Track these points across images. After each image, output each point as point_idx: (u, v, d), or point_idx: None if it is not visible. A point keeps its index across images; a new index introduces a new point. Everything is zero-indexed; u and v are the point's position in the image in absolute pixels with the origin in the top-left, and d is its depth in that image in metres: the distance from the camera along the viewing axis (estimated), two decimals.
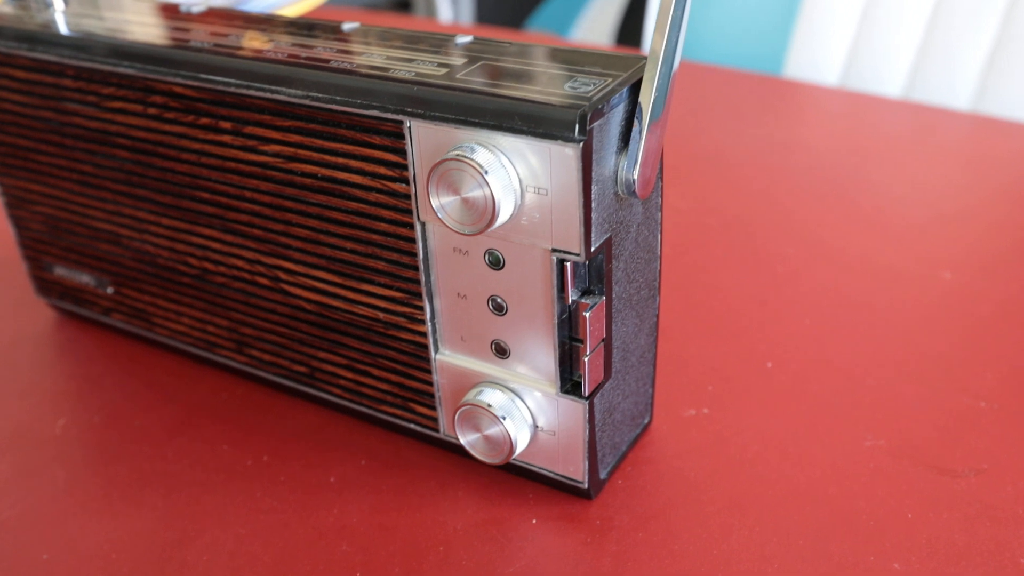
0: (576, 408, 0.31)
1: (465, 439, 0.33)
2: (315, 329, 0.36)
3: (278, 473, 0.36)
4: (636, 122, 0.28)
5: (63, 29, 0.37)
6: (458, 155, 0.27)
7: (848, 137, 0.64)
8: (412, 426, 0.36)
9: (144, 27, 0.37)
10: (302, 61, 0.32)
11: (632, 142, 0.28)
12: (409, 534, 0.33)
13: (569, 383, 0.31)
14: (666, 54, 0.27)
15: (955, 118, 0.66)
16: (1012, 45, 0.71)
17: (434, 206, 0.28)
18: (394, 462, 0.36)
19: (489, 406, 0.32)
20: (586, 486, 0.33)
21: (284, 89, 0.31)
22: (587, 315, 0.29)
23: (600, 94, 0.27)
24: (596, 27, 2.04)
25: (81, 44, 0.36)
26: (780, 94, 0.74)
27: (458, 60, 0.31)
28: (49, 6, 0.40)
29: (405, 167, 0.30)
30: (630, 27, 1.97)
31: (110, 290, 0.42)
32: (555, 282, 0.29)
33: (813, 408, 0.38)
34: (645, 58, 0.30)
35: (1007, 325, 0.42)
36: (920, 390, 0.38)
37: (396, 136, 0.30)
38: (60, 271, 0.44)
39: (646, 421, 0.36)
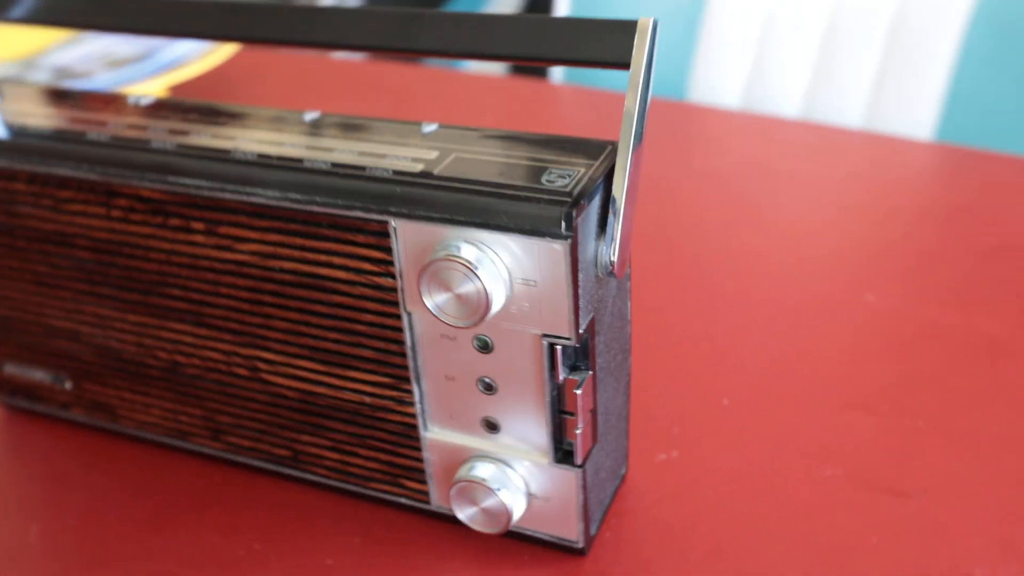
0: (570, 476, 0.33)
1: (463, 514, 0.34)
2: (298, 414, 0.37)
3: (272, 561, 0.36)
4: (611, 209, 0.30)
5: (6, 132, 0.36)
6: (448, 255, 0.29)
7: (754, 162, 0.67)
8: (402, 500, 0.37)
9: (96, 126, 0.36)
10: (275, 162, 0.32)
11: (609, 228, 0.30)
12: None
13: (560, 452, 0.33)
14: (635, 145, 0.29)
15: (851, 136, 0.71)
16: (896, 65, 0.77)
17: (428, 305, 0.30)
18: (388, 538, 0.37)
19: (484, 480, 0.33)
20: (581, 545, 0.34)
21: (260, 191, 0.32)
22: (578, 392, 0.31)
23: (578, 187, 0.29)
24: None
25: (32, 149, 0.35)
26: (686, 119, 0.77)
27: (430, 153, 0.32)
28: None
29: (391, 263, 0.31)
30: None
31: (68, 385, 0.42)
32: (546, 364, 0.31)
33: (772, 442, 0.40)
34: (609, 144, 0.32)
35: (932, 343, 0.46)
36: (864, 415, 0.42)
37: (381, 235, 0.31)
38: (11, 369, 0.43)
39: (623, 472, 0.38)
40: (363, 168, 0.31)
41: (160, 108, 0.38)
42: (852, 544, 0.35)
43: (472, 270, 0.28)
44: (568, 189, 0.29)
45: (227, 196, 0.32)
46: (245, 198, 0.32)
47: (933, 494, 0.37)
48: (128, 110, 0.38)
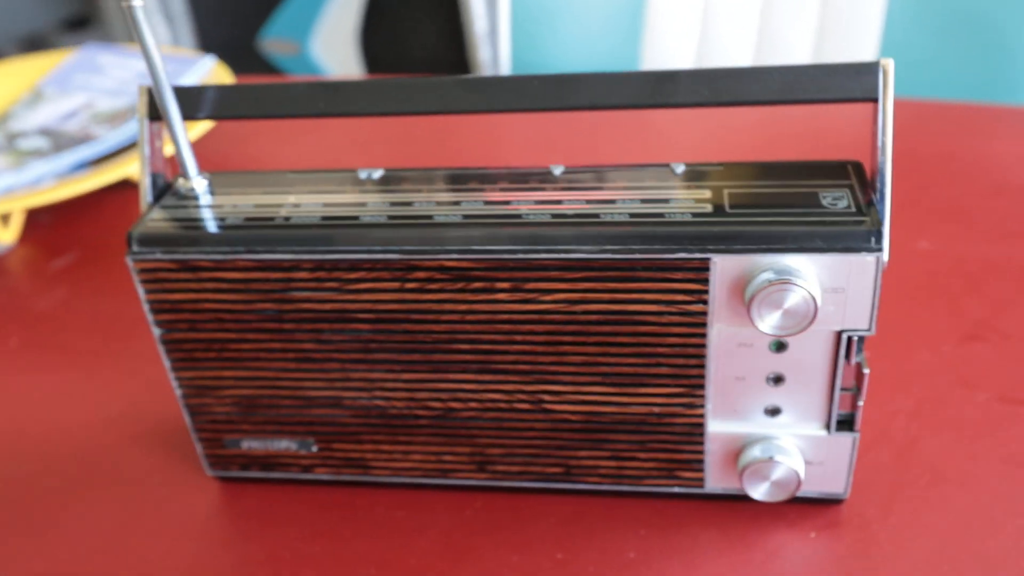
0: (847, 440, 0.39)
1: (756, 492, 0.40)
2: (578, 434, 0.41)
3: (579, 565, 0.41)
4: (882, 219, 0.36)
5: (284, 222, 0.38)
6: (778, 279, 0.34)
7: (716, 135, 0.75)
8: (675, 489, 0.42)
9: (358, 207, 0.39)
10: (573, 219, 0.36)
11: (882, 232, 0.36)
12: None
13: (839, 423, 0.39)
14: (891, 164, 0.36)
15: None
16: (831, 30, 0.87)
17: (761, 327, 0.35)
18: (669, 524, 0.42)
19: (775, 458, 0.39)
20: (847, 495, 0.41)
21: (575, 247, 0.36)
22: (867, 371, 0.37)
23: (863, 206, 0.35)
24: (337, 31, 2.05)
25: (316, 238, 0.38)
26: None
27: (704, 192, 0.37)
28: (194, 198, 0.40)
29: (705, 292, 0.36)
30: (372, 27, 2.00)
31: (315, 448, 0.44)
32: (843, 352, 0.37)
33: (923, 380, 0.49)
34: (847, 163, 0.38)
35: (995, 276, 0.56)
36: (980, 344, 0.51)
37: (700, 270, 0.36)
38: (250, 444, 0.44)
39: None
40: (661, 215, 0.36)
41: (399, 181, 0.40)
42: None
43: (801, 286, 0.34)
44: (856, 209, 0.35)
45: (539, 257, 0.36)
46: (559, 256, 0.36)
47: None
48: (371, 185, 0.40)
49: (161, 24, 2.26)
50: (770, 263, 0.35)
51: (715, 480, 0.42)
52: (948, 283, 0.56)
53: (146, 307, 0.40)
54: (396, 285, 0.38)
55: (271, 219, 0.39)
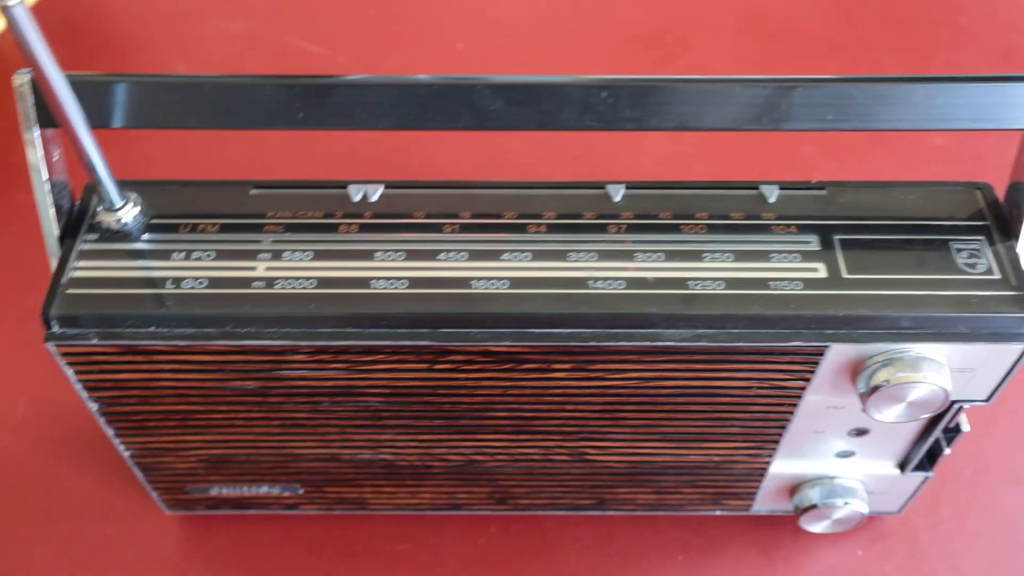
0: (918, 477, 0.36)
1: (816, 528, 0.37)
2: (621, 477, 0.36)
3: None
4: None
5: (265, 288, 0.28)
6: (904, 379, 0.28)
7: None
8: (717, 512, 0.38)
9: (360, 262, 0.29)
10: (656, 288, 0.28)
11: None
12: None
13: (915, 464, 0.35)
14: None
15: None
16: None
17: (877, 418, 0.29)
18: (707, 547, 0.39)
19: (838, 502, 0.35)
20: (902, 512, 0.38)
21: (663, 331, 0.28)
22: (966, 430, 0.33)
23: (1005, 263, 0.29)
24: None
25: (323, 318, 0.28)
26: None
27: (811, 239, 0.29)
28: (125, 236, 0.29)
29: (811, 373, 0.30)
30: None
31: (301, 491, 0.37)
32: (948, 417, 0.32)
33: None
34: (978, 187, 0.31)
35: None
36: None
37: (811, 354, 0.29)
38: (220, 490, 0.37)
39: None
40: (764, 282, 0.29)
41: (407, 209, 0.30)
42: None
43: (929, 382, 0.28)
44: (999, 274, 0.29)
45: (615, 344, 0.28)
46: (639, 343, 0.28)
47: None
48: (370, 216, 0.30)
49: None
50: (896, 350, 0.29)
51: (762, 504, 0.38)
52: None
53: (77, 386, 0.30)
54: (424, 367, 0.30)
55: (246, 281, 0.28)
